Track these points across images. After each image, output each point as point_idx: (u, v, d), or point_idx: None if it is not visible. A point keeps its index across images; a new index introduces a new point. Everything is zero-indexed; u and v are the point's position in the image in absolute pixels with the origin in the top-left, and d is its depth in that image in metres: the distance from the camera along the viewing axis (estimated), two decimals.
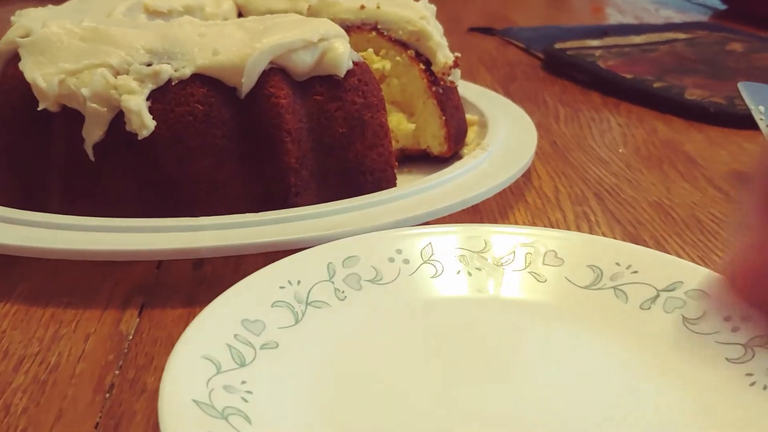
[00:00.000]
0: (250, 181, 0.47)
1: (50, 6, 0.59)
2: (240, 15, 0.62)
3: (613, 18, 1.32)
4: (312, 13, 0.57)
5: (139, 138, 0.45)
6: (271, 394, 0.31)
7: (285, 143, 0.47)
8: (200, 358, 0.31)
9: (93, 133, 0.45)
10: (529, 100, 0.80)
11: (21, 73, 0.48)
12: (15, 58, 0.50)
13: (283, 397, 0.31)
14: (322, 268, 0.38)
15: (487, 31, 1.16)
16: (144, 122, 0.45)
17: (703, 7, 1.40)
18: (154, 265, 0.45)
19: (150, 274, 0.44)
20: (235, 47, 0.47)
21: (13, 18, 0.56)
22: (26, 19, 0.54)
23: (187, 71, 0.46)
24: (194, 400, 0.29)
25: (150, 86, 0.45)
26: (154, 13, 0.57)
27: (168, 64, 0.46)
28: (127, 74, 0.46)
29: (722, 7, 1.36)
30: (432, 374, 0.34)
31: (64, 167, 0.48)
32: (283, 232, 0.43)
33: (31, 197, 0.49)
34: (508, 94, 0.71)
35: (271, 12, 0.58)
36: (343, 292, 0.38)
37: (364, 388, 0.33)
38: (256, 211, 0.45)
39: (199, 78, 0.46)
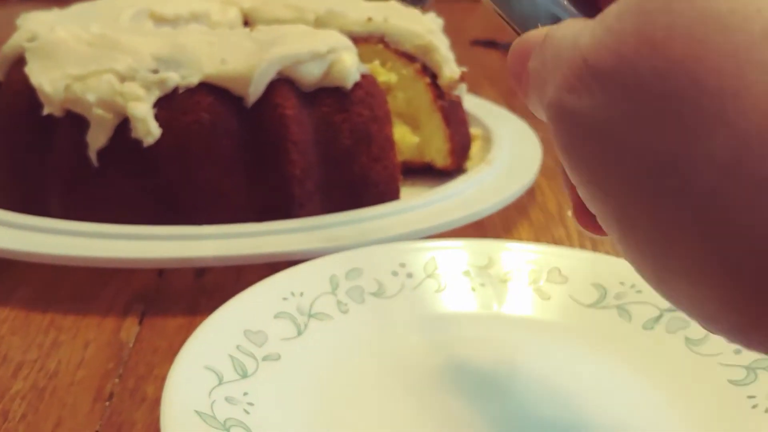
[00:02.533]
0: (254, 190, 0.47)
1: (56, 9, 0.59)
2: (246, 23, 0.62)
3: None
4: (319, 24, 0.57)
5: (144, 145, 0.45)
6: (273, 407, 0.31)
7: (290, 154, 0.47)
8: (203, 369, 0.31)
9: (97, 139, 0.45)
10: (533, 115, 0.79)
11: (26, 77, 0.48)
12: (20, 61, 0.50)
13: (284, 410, 0.31)
14: (325, 281, 0.38)
15: (490, 44, 1.17)
16: (149, 129, 0.45)
17: None
18: (156, 273, 0.45)
19: (151, 282, 0.44)
20: (244, 57, 0.46)
21: (18, 21, 0.56)
22: (32, 22, 0.54)
23: (195, 79, 0.46)
24: (196, 411, 0.29)
25: (156, 93, 0.45)
26: (160, 20, 0.57)
27: (175, 71, 0.46)
28: (134, 81, 0.46)
29: None
30: (433, 389, 0.33)
31: (67, 172, 0.47)
32: (286, 243, 0.43)
33: (32, 201, 0.48)
34: (512, 108, 0.71)
35: (278, 21, 0.58)
36: (345, 304, 0.38)
37: (365, 401, 0.33)
38: (259, 221, 0.45)
39: (206, 87, 0.46)
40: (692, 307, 0.18)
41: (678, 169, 0.17)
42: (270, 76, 0.46)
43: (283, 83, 0.47)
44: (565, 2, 0.25)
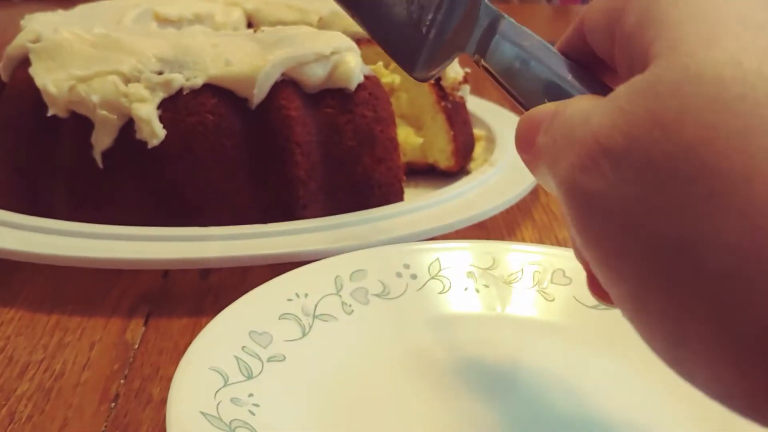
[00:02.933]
0: (258, 191, 0.47)
1: (60, 11, 0.59)
2: (249, 24, 0.62)
3: None
4: (323, 25, 0.57)
5: (149, 147, 0.45)
6: (278, 408, 0.31)
7: (294, 155, 0.47)
8: (208, 370, 0.31)
9: (102, 141, 0.45)
10: None
11: (30, 78, 0.48)
12: (24, 62, 0.50)
13: (289, 411, 0.31)
14: (330, 282, 0.38)
15: None
16: (154, 131, 0.45)
17: None
18: (161, 274, 0.45)
19: (156, 283, 0.44)
20: (248, 58, 0.47)
21: (22, 22, 0.56)
22: (36, 23, 0.54)
23: (199, 81, 0.46)
24: (202, 412, 0.29)
25: (161, 95, 0.45)
26: (164, 21, 0.57)
27: (179, 73, 0.46)
28: (138, 82, 0.46)
29: None
30: (437, 390, 0.34)
31: (71, 173, 0.47)
32: (290, 244, 0.43)
33: (37, 202, 0.48)
34: (515, 109, 0.71)
35: (281, 22, 0.58)
36: (350, 306, 0.38)
37: (370, 402, 0.33)
38: (263, 221, 0.45)
39: (211, 88, 0.46)
40: (706, 384, 0.18)
41: (690, 252, 0.17)
42: (274, 77, 0.47)
43: (287, 84, 0.47)
44: (570, 77, 0.25)
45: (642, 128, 0.18)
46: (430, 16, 0.29)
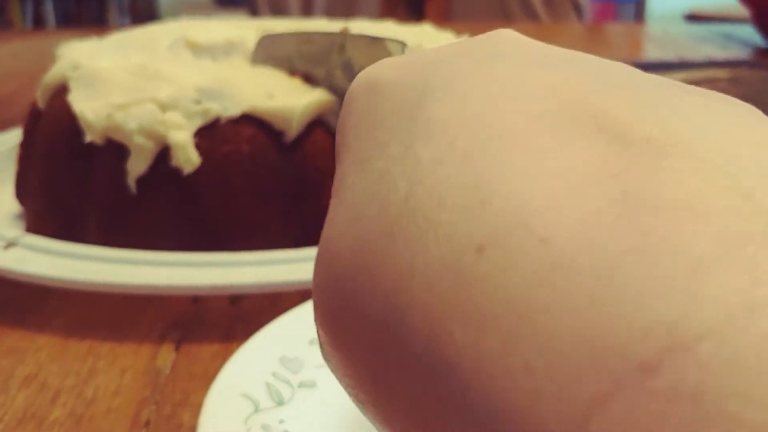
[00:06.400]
0: (290, 220, 0.47)
1: (94, 39, 0.60)
2: None
3: (653, 53, 1.31)
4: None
5: (184, 173, 0.45)
6: None
7: (328, 187, 0.47)
8: (239, 396, 0.31)
9: (137, 167, 0.46)
10: None
11: (66, 105, 0.49)
12: (61, 90, 0.51)
13: None
14: None
15: None
16: (189, 157, 0.45)
17: (743, 44, 1.39)
18: (191, 300, 0.45)
19: (187, 309, 0.44)
20: (290, 94, 0.48)
21: (59, 51, 0.57)
22: (74, 52, 0.55)
23: (238, 111, 0.46)
24: None
25: (198, 122, 0.46)
26: (196, 48, 0.58)
27: (217, 103, 0.47)
28: (176, 110, 0.46)
29: (764, 44, 1.35)
30: None
31: (105, 199, 0.48)
32: None
33: (69, 228, 0.49)
34: None
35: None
36: None
37: None
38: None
39: (248, 118, 0.47)
40: None
41: None
42: (312, 116, 0.48)
43: (321, 122, 0.49)
44: None
45: None
46: None
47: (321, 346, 0.17)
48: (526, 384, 0.12)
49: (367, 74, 0.19)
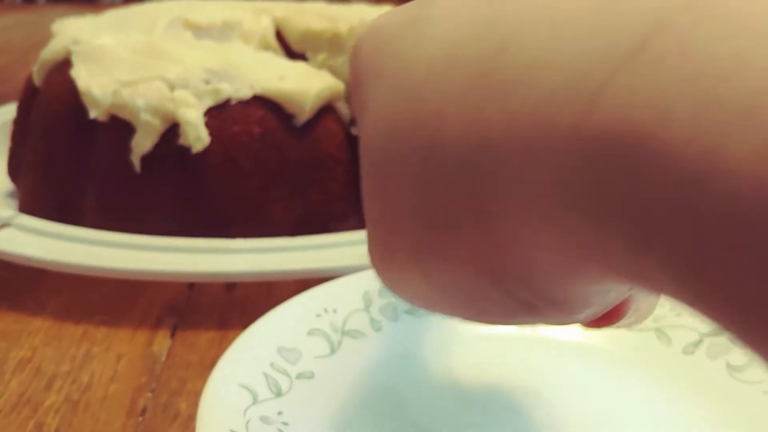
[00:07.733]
0: (293, 203, 0.47)
1: (90, 16, 0.59)
2: (278, 32, 0.61)
3: None
4: (354, 34, 0.56)
5: (193, 151, 0.45)
6: (307, 426, 0.31)
7: (335, 171, 0.47)
8: (237, 387, 0.31)
9: (143, 145, 0.45)
10: None
11: (67, 81, 0.48)
12: (60, 66, 0.50)
13: (318, 429, 0.31)
14: (359, 297, 0.38)
15: None
16: (200, 135, 0.45)
17: None
18: (186, 286, 0.44)
19: (182, 295, 0.44)
20: (302, 77, 0.48)
21: (53, 27, 0.56)
22: (70, 29, 0.54)
23: (249, 92, 0.46)
24: (232, 431, 0.28)
25: (208, 102, 0.46)
26: (194, 28, 0.57)
27: (228, 83, 0.46)
28: (185, 89, 0.46)
29: None
30: (467, 410, 0.33)
31: (106, 177, 0.47)
32: (318, 259, 0.43)
33: (64, 207, 0.48)
34: None
35: (310, 31, 0.58)
36: (379, 322, 0.37)
37: (399, 420, 0.32)
38: (295, 234, 0.45)
39: (259, 100, 0.47)
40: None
41: None
42: (324, 100, 0.48)
43: (331, 109, 0.49)
44: None
45: None
46: None
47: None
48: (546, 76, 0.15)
49: (370, 24, 0.22)
